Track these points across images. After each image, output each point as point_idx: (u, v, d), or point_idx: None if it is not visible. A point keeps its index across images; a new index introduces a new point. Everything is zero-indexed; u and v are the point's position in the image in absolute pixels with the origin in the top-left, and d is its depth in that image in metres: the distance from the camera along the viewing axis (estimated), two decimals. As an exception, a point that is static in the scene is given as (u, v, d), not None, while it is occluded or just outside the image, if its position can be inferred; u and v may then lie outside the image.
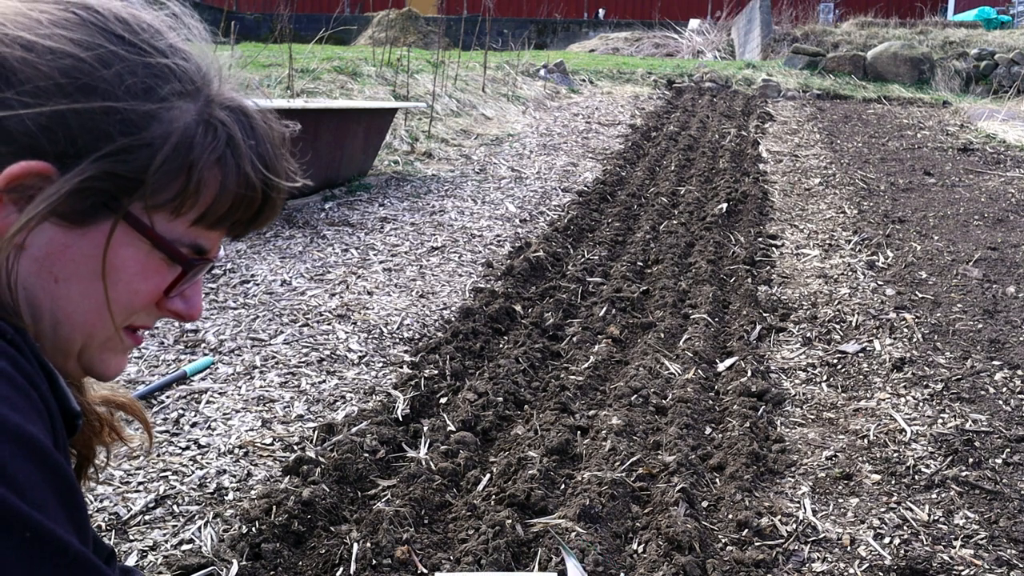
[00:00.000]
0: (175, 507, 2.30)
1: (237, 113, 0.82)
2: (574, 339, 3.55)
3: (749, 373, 3.19)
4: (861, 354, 3.47)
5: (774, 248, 5.06)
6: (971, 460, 2.61)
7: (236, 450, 2.61)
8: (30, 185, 0.73)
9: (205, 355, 3.23)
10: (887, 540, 2.27)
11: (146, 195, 0.77)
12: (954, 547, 2.23)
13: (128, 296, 0.80)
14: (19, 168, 0.72)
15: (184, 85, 0.79)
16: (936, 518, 2.36)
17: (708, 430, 2.86)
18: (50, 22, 0.75)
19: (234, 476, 2.47)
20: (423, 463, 2.51)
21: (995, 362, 3.33)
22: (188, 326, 3.44)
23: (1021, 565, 2.15)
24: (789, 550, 2.23)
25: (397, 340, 3.55)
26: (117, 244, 0.78)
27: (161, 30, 0.81)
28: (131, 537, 2.17)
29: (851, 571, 2.16)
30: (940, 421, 2.88)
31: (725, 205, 5.76)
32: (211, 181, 0.80)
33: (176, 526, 2.22)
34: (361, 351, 3.41)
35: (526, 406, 2.99)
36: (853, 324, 3.77)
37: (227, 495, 2.38)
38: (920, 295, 4.13)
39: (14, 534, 0.60)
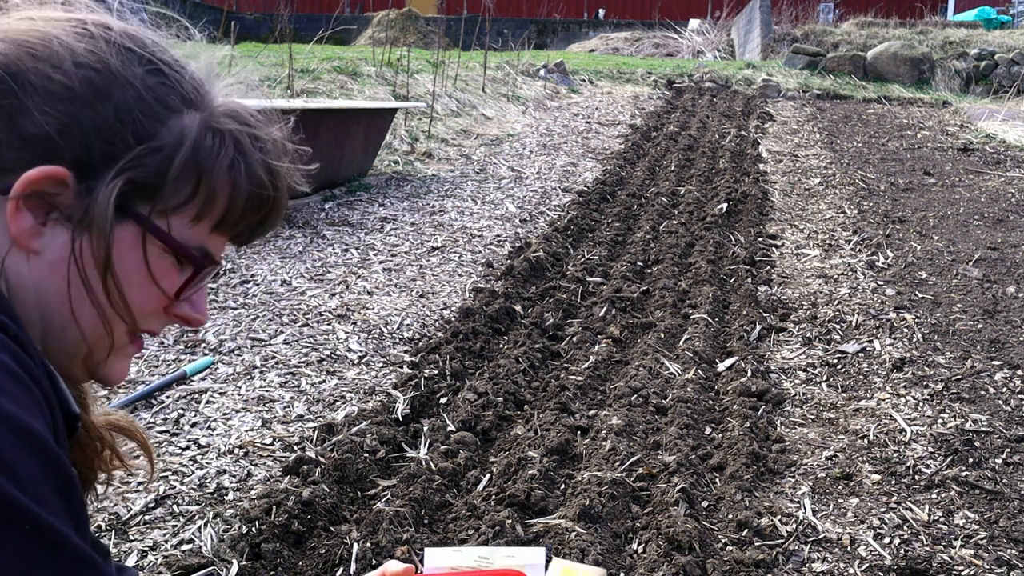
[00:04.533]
0: (175, 507, 2.30)
1: (241, 121, 0.84)
2: (574, 339, 3.55)
3: (749, 373, 3.19)
4: (861, 354, 3.47)
5: (774, 248, 5.06)
6: (971, 460, 2.61)
7: (236, 450, 2.61)
8: (47, 192, 0.75)
9: (205, 355, 3.23)
10: (887, 540, 2.27)
11: (163, 199, 0.79)
12: (954, 547, 2.23)
13: (141, 298, 0.82)
14: (38, 172, 0.74)
15: (189, 95, 0.82)
16: (936, 518, 2.36)
17: (708, 430, 2.86)
18: (65, 34, 0.78)
19: (234, 476, 2.47)
20: (423, 463, 2.51)
21: (995, 362, 3.33)
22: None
23: (1021, 565, 2.15)
24: (789, 550, 2.23)
25: (397, 340, 3.55)
26: (130, 247, 0.79)
27: (166, 47, 0.84)
28: (131, 537, 2.17)
29: (851, 571, 2.16)
30: (940, 421, 2.88)
31: (725, 205, 5.76)
32: (223, 186, 0.82)
33: (176, 526, 2.22)
34: (361, 351, 3.41)
35: (526, 406, 2.99)
36: (853, 324, 3.77)
37: (227, 495, 2.38)
38: (920, 295, 4.13)
39: (14, 527, 0.60)
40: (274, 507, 2.24)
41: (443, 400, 2.99)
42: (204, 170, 0.81)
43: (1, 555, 0.60)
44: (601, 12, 23.38)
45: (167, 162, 0.78)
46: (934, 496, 2.47)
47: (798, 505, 2.44)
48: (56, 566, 0.63)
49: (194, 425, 2.74)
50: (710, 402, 3.07)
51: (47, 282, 0.77)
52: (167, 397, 2.91)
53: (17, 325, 0.73)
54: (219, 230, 0.85)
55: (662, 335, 3.56)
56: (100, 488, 0.98)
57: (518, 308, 3.89)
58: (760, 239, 5.16)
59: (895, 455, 2.69)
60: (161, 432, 2.68)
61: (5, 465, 0.61)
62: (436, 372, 3.15)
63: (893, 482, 2.55)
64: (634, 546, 2.21)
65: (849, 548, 2.25)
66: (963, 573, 2.13)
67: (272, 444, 2.66)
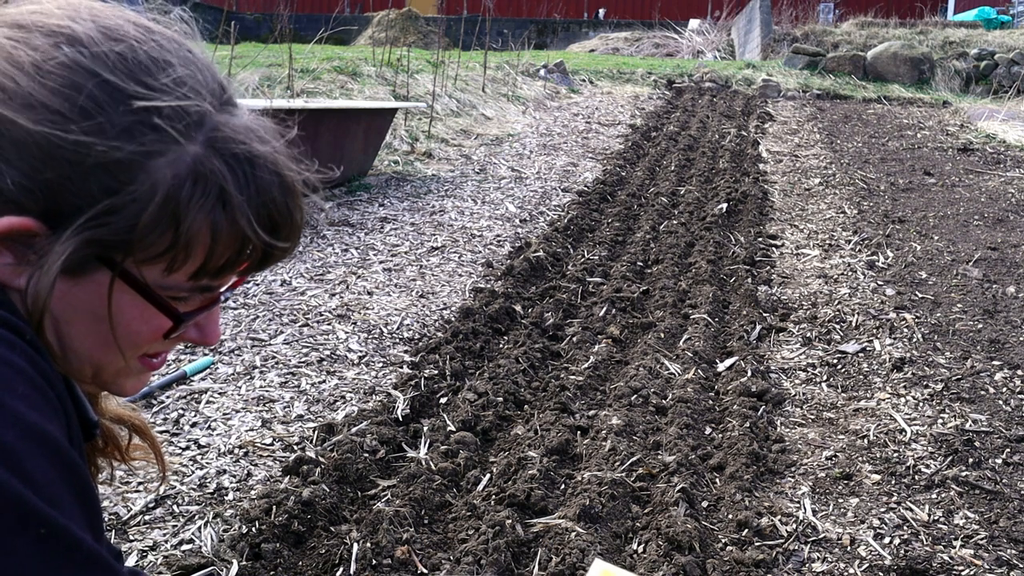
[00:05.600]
0: (175, 507, 2.30)
1: (238, 159, 0.75)
2: (574, 339, 3.55)
3: (749, 373, 3.19)
4: (861, 354, 3.47)
5: (774, 248, 5.06)
6: (971, 460, 2.61)
7: (236, 450, 2.61)
8: (20, 237, 0.72)
9: (205, 355, 3.23)
10: (887, 540, 2.27)
11: (134, 252, 0.74)
12: (954, 547, 2.23)
13: (130, 337, 0.79)
14: (4, 224, 0.70)
15: (178, 130, 0.73)
16: (936, 518, 2.36)
17: (708, 430, 2.86)
18: (33, 66, 0.71)
19: (234, 476, 2.47)
20: (423, 463, 2.51)
21: (995, 362, 3.33)
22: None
23: (1021, 565, 2.15)
24: (789, 550, 2.23)
25: (397, 340, 3.55)
26: (106, 292, 0.76)
27: (162, 60, 0.75)
28: (131, 537, 2.17)
29: (851, 571, 2.16)
30: (940, 421, 2.88)
31: (725, 205, 5.76)
32: (201, 237, 0.74)
33: (176, 526, 2.22)
34: (361, 351, 3.41)
35: (526, 406, 2.99)
36: (853, 324, 3.77)
37: (227, 495, 2.38)
38: (920, 295, 4.13)
39: (29, 531, 0.61)
40: (274, 507, 2.24)
41: (443, 400, 2.99)
42: (180, 221, 0.73)
43: (16, 558, 0.60)
44: (601, 12, 23.38)
45: (135, 218, 0.71)
46: (934, 496, 2.47)
47: (798, 505, 2.44)
48: (71, 569, 0.63)
49: (194, 425, 2.75)
50: (710, 402, 3.07)
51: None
52: (167, 397, 2.91)
53: (32, 332, 0.73)
54: (200, 278, 0.78)
55: (662, 335, 3.56)
56: (104, 480, 0.98)
57: (518, 308, 3.89)
58: (760, 239, 5.16)
59: (895, 455, 2.69)
60: (161, 432, 2.68)
61: (21, 469, 0.62)
62: (436, 372, 3.15)
63: (893, 482, 2.55)
64: (634, 546, 2.21)
65: (849, 548, 2.25)
66: (963, 573, 2.13)
67: (272, 444, 2.66)
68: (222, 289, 0.84)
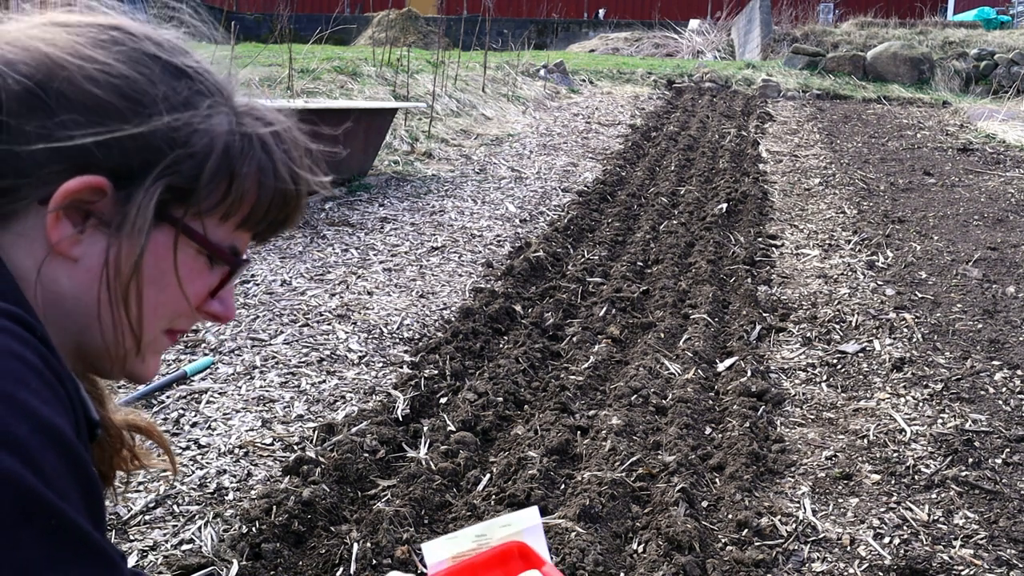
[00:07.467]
0: (175, 507, 2.30)
1: (264, 121, 0.87)
2: (574, 339, 3.55)
3: (749, 373, 3.19)
4: (861, 354, 3.47)
5: (774, 248, 5.06)
6: (971, 460, 2.61)
7: (236, 450, 2.61)
8: (85, 200, 0.76)
9: (205, 355, 3.23)
10: (887, 540, 2.27)
11: (197, 203, 0.81)
12: (954, 547, 2.23)
13: (177, 299, 0.84)
14: (77, 183, 0.75)
15: (215, 98, 0.84)
16: (936, 518, 2.36)
17: (708, 430, 2.86)
18: (90, 44, 0.78)
19: (234, 476, 2.48)
20: (423, 463, 2.52)
21: (995, 362, 3.33)
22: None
23: (1021, 565, 2.15)
24: (789, 550, 2.23)
25: (397, 340, 3.55)
26: (166, 250, 0.81)
27: (186, 49, 0.86)
28: (131, 537, 2.17)
29: (851, 571, 2.16)
30: (940, 421, 2.89)
31: (725, 205, 5.76)
32: (251, 187, 0.85)
33: (176, 526, 2.22)
34: (361, 351, 3.41)
35: (526, 406, 2.99)
36: (853, 324, 3.77)
37: (227, 495, 2.38)
38: (920, 295, 4.13)
39: (39, 521, 0.61)
40: (274, 507, 2.24)
41: (443, 400, 2.99)
42: (235, 172, 0.83)
43: (25, 550, 0.61)
44: (601, 12, 23.38)
45: (200, 167, 0.80)
46: (934, 496, 2.47)
47: (798, 505, 2.44)
48: (78, 562, 0.64)
49: (194, 425, 2.75)
50: (710, 402, 3.08)
51: (85, 287, 0.79)
52: (167, 397, 2.91)
53: (42, 328, 0.73)
54: (243, 228, 0.87)
55: (662, 335, 3.56)
56: (119, 486, 0.99)
57: (518, 308, 3.89)
58: (760, 239, 5.16)
59: (895, 455, 2.69)
60: (161, 432, 2.68)
61: (32, 461, 0.62)
62: (436, 372, 3.15)
63: (893, 482, 2.55)
64: (634, 546, 2.21)
65: (849, 548, 2.25)
66: (963, 573, 2.13)
67: (272, 444, 2.66)
68: (244, 255, 0.91)
